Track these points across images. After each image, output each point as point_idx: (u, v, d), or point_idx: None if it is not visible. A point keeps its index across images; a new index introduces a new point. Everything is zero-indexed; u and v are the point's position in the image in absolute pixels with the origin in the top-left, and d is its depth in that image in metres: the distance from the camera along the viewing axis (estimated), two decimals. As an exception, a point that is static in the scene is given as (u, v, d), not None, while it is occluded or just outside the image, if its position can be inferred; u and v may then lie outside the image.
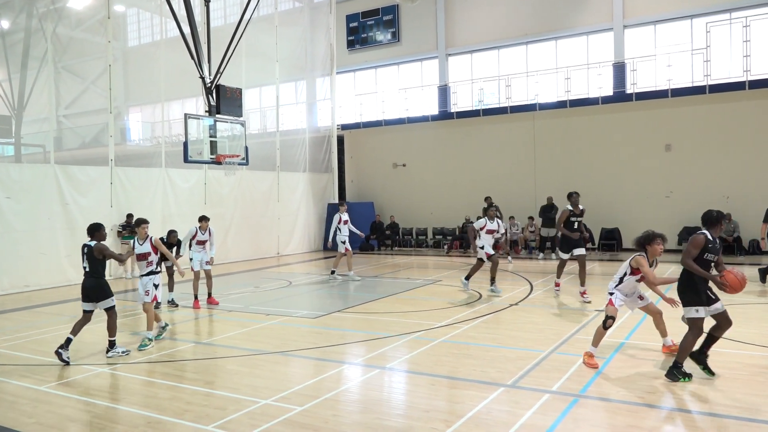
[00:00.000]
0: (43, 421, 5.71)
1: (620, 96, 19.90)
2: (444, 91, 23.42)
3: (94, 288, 7.92)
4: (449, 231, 22.23)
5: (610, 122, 19.92)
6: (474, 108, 22.70)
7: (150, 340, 8.57)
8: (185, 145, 12.93)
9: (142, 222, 9.23)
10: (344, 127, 25.00)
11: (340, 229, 14.94)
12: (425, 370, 6.91)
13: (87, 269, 7.93)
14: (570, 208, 11.42)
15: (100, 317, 10.46)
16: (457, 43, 23.49)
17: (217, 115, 13.52)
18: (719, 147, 18.37)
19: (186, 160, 13.16)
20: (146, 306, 8.82)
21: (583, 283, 11.16)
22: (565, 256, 11.51)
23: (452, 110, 23.01)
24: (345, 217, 15.05)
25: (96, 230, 8.04)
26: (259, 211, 20.75)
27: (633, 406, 5.59)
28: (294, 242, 22.16)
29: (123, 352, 8.03)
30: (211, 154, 13.52)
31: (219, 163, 13.63)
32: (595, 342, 7.01)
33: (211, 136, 13.54)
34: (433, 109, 23.45)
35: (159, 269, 9.13)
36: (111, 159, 16.14)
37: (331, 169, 24.27)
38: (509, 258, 17.85)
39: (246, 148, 14.21)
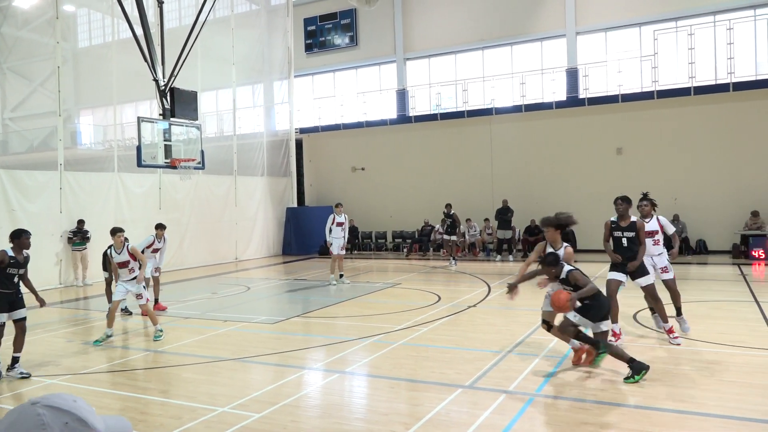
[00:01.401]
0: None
1: (573, 101, 20.40)
2: (402, 95, 23.57)
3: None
4: (409, 234, 22.34)
5: (564, 126, 20.40)
6: (432, 112, 22.90)
7: (161, 331, 9.05)
8: (138, 149, 12.66)
9: (117, 231, 9.14)
10: (303, 130, 24.88)
11: (331, 230, 14.71)
12: (385, 374, 6.93)
13: None
14: (613, 219, 8.01)
15: (62, 326, 10.13)
16: (415, 47, 23.67)
17: (171, 119, 13.29)
18: (667, 150, 19.02)
19: (139, 164, 12.89)
20: (145, 308, 9.18)
21: (665, 318, 7.97)
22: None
23: (410, 114, 23.16)
24: (339, 218, 14.81)
25: (13, 237, 7.28)
26: (216, 216, 20.45)
27: (586, 404, 5.73)
28: (252, 247, 21.92)
29: (21, 375, 7.26)
30: (166, 158, 13.27)
31: (174, 167, 13.40)
32: (566, 340, 6.89)
33: (165, 140, 13.30)
34: (392, 113, 23.56)
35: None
36: (60, 163, 15.66)
37: (289, 173, 24.11)
38: (453, 262, 17.93)
39: (202, 152, 14.00)
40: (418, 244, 21.64)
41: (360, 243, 23.24)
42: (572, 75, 20.77)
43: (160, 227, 11.62)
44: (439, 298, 11.91)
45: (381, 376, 6.87)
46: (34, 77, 19.55)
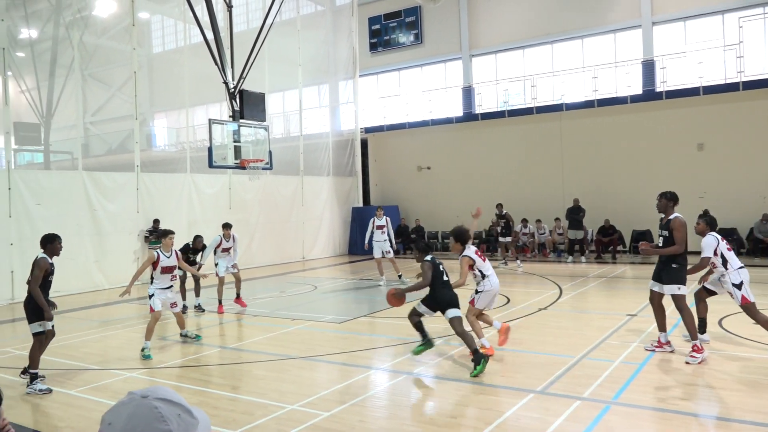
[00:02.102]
0: (74, 424, 5.82)
1: (650, 94, 19.61)
2: (468, 93, 23.35)
3: (25, 306, 7.04)
4: (475, 234, 22.09)
5: (639, 121, 19.64)
6: (499, 109, 22.57)
7: (195, 338, 9.14)
8: (210, 150, 13.10)
9: (169, 233, 8.83)
10: (368, 130, 25.07)
11: (373, 234, 14.86)
12: (453, 376, 6.88)
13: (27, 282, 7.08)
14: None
15: (139, 322, 10.64)
16: (480, 43, 23.41)
17: (240, 120, 13.68)
18: (754, 145, 17.97)
19: (211, 165, 13.33)
20: (179, 315, 9.05)
21: (694, 335, 7.28)
22: (686, 290, 7.39)
23: (477, 111, 22.92)
24: (379, 222, 14.92)
25: (48, 242, 7.10)
26: (284, 216, 20.90)
27: (667, 414, 5.48)
28: (319, 247, 22.27)
29: (40, 390, 6.77)
30: (235, 159, 13.67)
31: (243, 167, 13.78)
32: (478, 333, 7.67)
33: (235, 141, 13.70)
34: (458, 111, 23.38)
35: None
36: (137, 165, 16.43)
37: (355, 172, 24.35)
38: (518, 262, 17.67)
39: (270, 152, 14.34)
40: (486, 244, 21.36)
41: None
42: (648, 67, 19.98)
43: (226, 226, 11.94)
44: (509, 300, 11.73)
45: (449, 378, 6.83)
46: (112, 83, 20.56)
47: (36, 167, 19.42)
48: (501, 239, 18.15)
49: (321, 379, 7.15)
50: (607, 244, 18.78)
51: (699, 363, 7.00)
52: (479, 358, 6.83)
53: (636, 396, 5.97)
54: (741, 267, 7.45)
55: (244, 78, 13.85)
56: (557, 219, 19.88)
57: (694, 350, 7.13)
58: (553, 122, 21.07)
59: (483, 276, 7.95)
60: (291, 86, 22.37)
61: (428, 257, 7.64)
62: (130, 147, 17.38)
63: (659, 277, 7.46)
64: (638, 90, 19.98)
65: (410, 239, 22.95)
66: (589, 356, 7.49)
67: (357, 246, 22.83)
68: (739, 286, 7.31)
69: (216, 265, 11.87)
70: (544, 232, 20.14)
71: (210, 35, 13.51)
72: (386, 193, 25.11)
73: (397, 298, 7.67)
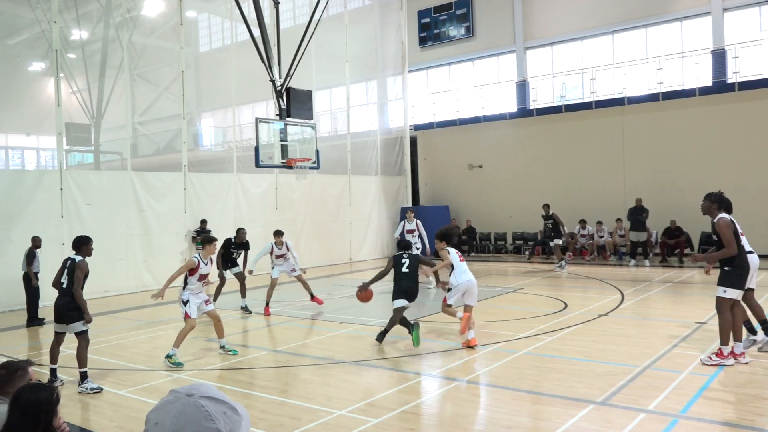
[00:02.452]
0: (123, 425, 6.03)
1: (720, 86, 18.91)
2: (522, 87, 23.05)
3: (65, 308, 7.31)
4: (530, 236, 21.80)
5: (708, 115, 18.96)
6: (555, 104, 22.19)
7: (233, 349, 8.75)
8: (256, 149, 13.34)
9: (214, 240, 8.89)
10: (417, 127, 25.05)
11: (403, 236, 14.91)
12: (506, 384, 6.81)
13: (64, 285, 7.37)
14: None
15: (200, 323, 10.92)
16: (535, 35, 23.07)
17: (287, 119, 13.89)
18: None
19: (257, 164, 13.58)
20: (217, 318, 8.80)
21: (725, 341, 7.29)
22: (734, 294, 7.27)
23: (532, 107, 22.60)
24: (409, 225, 14.92)
25: (83, 244, 7.48)
26: (331, 216, 21.11)
27: (742, 430, 5.28)
28: (366, 248, 22.39)
29: (92, 389, 7.10)
30: (282, 158, 13.88)
31: (290, 167, 13.99)
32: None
33: (281, 140, 13.92)
34: (511, 106, 23.10)
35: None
36: (184, 165, 16.88)
37: (403, 171, 24.38)
38: (563, 264, 17.32)
39: (317, 151, 14.50)
40: (541, 246, 21.04)
41: (478, 244, 23.01)
42: (719, 57, 19.26)
43: (278, 234, 12.20)
44: (566, 305, 11.52)
45: (502, 386, 6.76)
46: (160, 82, 21.21)
47: (86, 167, 20.20)
48: (552, 242, 17.90)
49: (369, 384, 7.18)
50: (673, 246, 18.20)
51: (714, 366, 7.02)
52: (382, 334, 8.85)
53: (706, 410, 5.77)
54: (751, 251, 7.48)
55: (291, 75, 14.06)
56: (618, 220, 19.39)
57: (718, 354, 7.20)
58: (613, 117, 20.57)
59: (452, 269, 9.06)
60: (338, 83, 22.57)
61: (398, 253, 9.40)
62: (177, 147, 17.89)
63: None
64: (707, 82, 19.28)
65: (461, 241, 22.82)
66: (654, 366, 7.28)
67: (406, 247, 22.80)
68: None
69: (272, 268, 12.16)
70: (603, 234, 19.69)
71: (257, 33, 13.77)
72: (436, 192, 25.03)
73: (361, 291, 9.09)
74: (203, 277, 8.63)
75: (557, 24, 22.53)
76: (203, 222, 16.74)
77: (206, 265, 8.68)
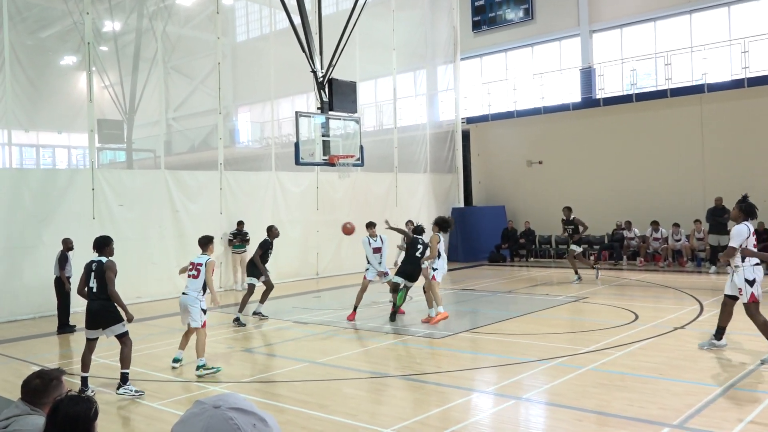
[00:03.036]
0: (156, 439, 6.20)
1: (816, 70, 18.17)
2: (588, 75, 22.65)
3: (101, 312, 7.67)
4: (596, 239, 21.43)
5: (802, 103, 18.25)
6: (625, 93, 21.74)
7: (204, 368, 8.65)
8: (296, 145, 13.49)
9: (211, 239, 9.55)
10: (470, 120, 24.93)
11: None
12: (569, 403, 6.71)
13: (95, 290, 7.67)
14: None
15: (223, 332, 11.17)
16: (602, 17, 22.65)
17: (329, 112, 14.00)
18: None
19: (297, 162, 13.72)
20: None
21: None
22: None
23: (598, 96, 22.20)
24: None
25: (106, 244, 7.84)
26: (376, 217, 21.01)
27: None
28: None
29: (136, 392, 7.57)
30: (324, 155, 13.99)
31: (332, 164, 14.09)
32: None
33: (323, 136, 14.03)
34: (575, 96, 22.75)
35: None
36: (220, 163, 17.23)
37: (455, 168, 24.29)
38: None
39: (361, 147, 14.59)
40: (609, 251, 20.65)
41: (537, 249, 22.72)
42: (814, 37, 18.52)
43: (370, 225, 13.03)
44: (637, 317, 11.29)
45: (564, 405, 6.67)
46: (195, 75, 21.69)
47: (119, 166, 20.83)
48: (572, 248, 17.04)
49: (418, 400, 7.18)
50: (763, 250, 17.56)
51: None
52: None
53: (799, 436, 5.57)
54: (757, 264, 8.17)
55: (334, 66, 14.17)
56: (697, 221, 18.86)
57: None
58: (691, 107, 20.02)
59: (439, 256, 11.84)
60: (384, 73, 22.64)
61: (416, 237, 12.05)
62: (213, 143, 18.26)
63: None
64: (801, 65, 18.57)
65: (519, 245, 22.59)
66: (738, 386, 7.06)
67: (458, 251, 22.73)
68: (751, 283, 8.09)
69: (366, 270, 12.75)
70: (680, 238, 19.17)
71: (297, 20, 13.94)
72: (491, 191, 24.85)
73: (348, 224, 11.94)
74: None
75: (627, 3, 22.07)
76: (240, 224, 17.05)
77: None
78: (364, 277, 12.66)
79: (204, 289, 8.88)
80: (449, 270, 19.77)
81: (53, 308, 12.30)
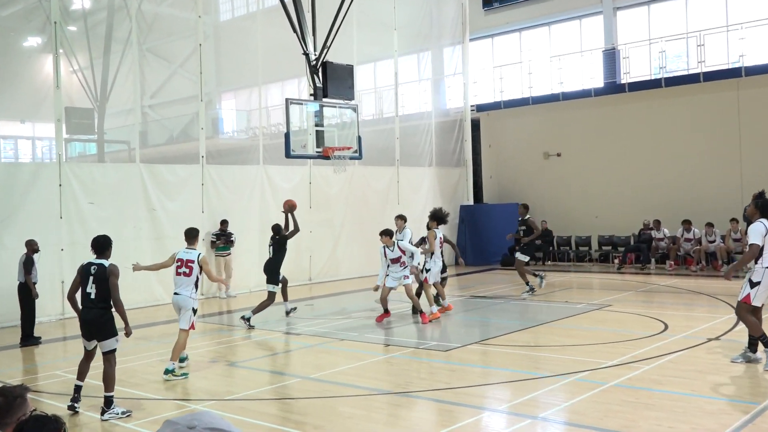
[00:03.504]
0: (131, 463, 6.20)
1: None
2: (611, 57, 22.64)
3: (98, 322, 7.65)
4: (621, 240, 21.43)
5: None
6: (653, 77, 21.73)
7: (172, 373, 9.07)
8: (287, 136, 13.48)
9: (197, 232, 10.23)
10: (480, 107, 24.93)
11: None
12: (591, 423, 6.72)
13: (92, 296, 7.64)
14: None
15: (205, 344, 11.19)
16: (628, -8, 22.67)
17: (323, 99, 13.99)
18: None
19: (288, 154, 13.72)
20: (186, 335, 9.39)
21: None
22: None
23: (623, 81, 22.19)
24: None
25: (108, 246, 7.91)
26: (375, 216, 21.11)
27: None
28: (419, 254, 22.33)
29: (123, 413, 7.52)
30: (317, 146, 14.00)
31: (326, 157, 14.08)
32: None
33: (316, 125, 14.04)
34: (598, 81, 22.74)
35: None
36: (202, 155, 17.21)
37: (463, 161, 24.28)
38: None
39: (359, 138, 14.58)
40: (635, 253, 20.65)
41: (555, 251, 22.72)
42: None
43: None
44: (666, 327, 11.29)
45: (586, 425, 6.67)
46: (174, 58, 21.64)
47: (89, 160, 20.78)
48: (518, 257, 15.71)
49: (421, 420, 7.18)
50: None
51: None
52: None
53: None
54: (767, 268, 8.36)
55: (329, 48, 14.16)
56: (733, 220, 18.86)
57: None
58: (727, 92, 20.02)
59: (431, 255, 13.04)
60: (384, 56, 22.63)
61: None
62: (194, 134, 18.23)
63: None
64: None
65: (534, 246, 22.52)
66: (779, 404, 7.06)
67: (467, 254, 22.71)
68: (753, 285, 8.44)
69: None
70: (714, 239, 19.16)
71: (287, -4, 13.94)
72: (503, 187, 24.85)
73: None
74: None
75: (655, -22, 22.07)
76: (224, 223, 17.02)
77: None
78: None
79: (196, 286, 9.18)
80: (457, 275, 19.93)
81: (15, 318, 12.28)
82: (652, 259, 20.13)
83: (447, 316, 13.48)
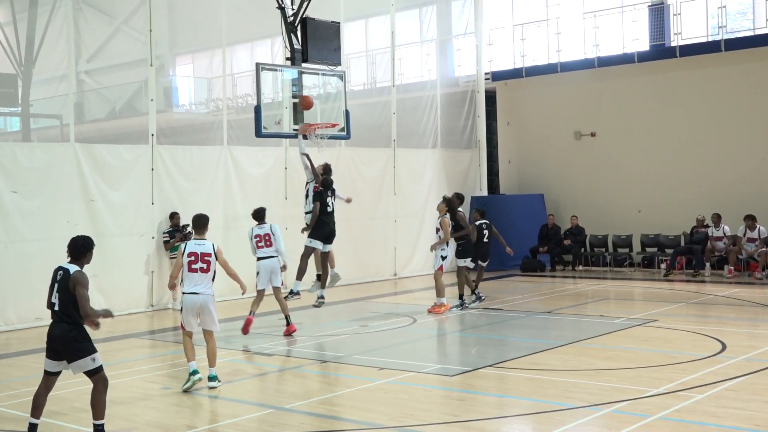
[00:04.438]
0: None
1: None
2: (659, 14, 22.65)
3: (65, 339, 7.45)
4: (669, 241, 21.46)
5: None
6: (710, 39, 21.75)
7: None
8: (257, 110, 13.43)
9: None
10: (496, 76, 24.91)
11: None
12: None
13: (56, 307, 7.50)
14: None
15: (154, 366, 11.15)
16: (680, -66, 22.68)
17: (303, 65, 13.95)
18: None
19: (259, 133, 13.67)
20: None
21: None
22: None
23: (673, 44, 22.21)
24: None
25: (86, 250, 8.00)
26: (367, 210, 21.10)
27: None
28: (419, 257, 22.33)
29: None
30: (295, 123, 13.96)
31: (306, 136, 14.05)
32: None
33: (294, 96, 13.99)
34: (642, 44, 22.76)
35: None
36: (152, 134, 17.10)
37: (476, 143, 24.28)
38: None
39: (346, 112, 14.54)
40: (686, 256, 20.68)
41: (588, 254, 22.73)
42: None
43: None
44: (724, 347, 11.32)
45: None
46: (117, 12, 21.57)
47: (10, 138, 20.65)
48: (457, 262, 16.12)
49: (423, 461, 7.19)
50: None
51: None
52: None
53: None
54: None
55: (309, 0, 14.11)
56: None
57: None
58: (801, 58, 20.09)
59: (447, 243, 15.33)
60: (379, 11, 22.59)
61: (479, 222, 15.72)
62: (141, 107, 18.14)
63: None
64: None
65: (562, 248, 22.59)
66: None
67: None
68: None
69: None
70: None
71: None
72: (525, 174, 24.87)
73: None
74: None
75: None
76: (174, 216, 16.81)
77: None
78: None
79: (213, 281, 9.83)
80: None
81: None
82: (708, 264, 20.13)
83: (455, 331, 13.44)
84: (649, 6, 22.80)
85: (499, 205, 23.58)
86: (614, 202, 22.85)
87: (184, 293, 9.86)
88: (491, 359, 11.36)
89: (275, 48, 20.15)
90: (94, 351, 7.53)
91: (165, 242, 16.90)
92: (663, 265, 20.91)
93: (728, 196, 20.41)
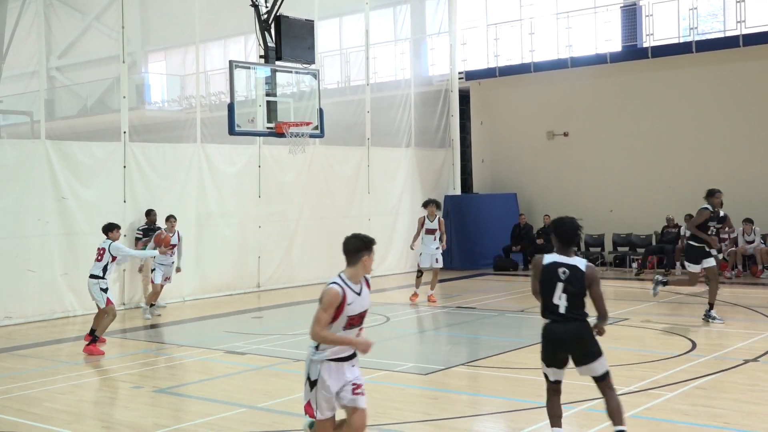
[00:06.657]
0: None
1: None
2: (631, 16, 22.80)
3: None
4: (640, 240, 21.62)
5: None
6: (682, 39, 21.90)
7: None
8: (231, 108, 13.39)
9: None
10: (470, 75, 24.95)
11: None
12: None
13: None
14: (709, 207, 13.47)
15: (126, 366, 11.08)
16: (652, -65, 22.84)
17: (276, 63, 13.91)
18: None
19: (232, 131, 13.63)
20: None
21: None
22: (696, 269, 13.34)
23: (645, 45, 22.35)
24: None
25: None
26: (340, 209, 21.09)
27: None
28: (393, 257, 22.34)
29: None
30: (269, 121, 13.92)
31: (280, 134, 14.01)
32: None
33: (267, 95, 13.95)
34: (615, 44, 22.89)
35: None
36: (124, 131, 16.99)
37: (449, 142, 24.30)
38: None
39: (320, 111, 14.52)
40: (658, 255, 20.84)
41: (560, 253, 22.79)
42: None
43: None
44: (694, 345, 11.43)
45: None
46: (89, 8, 21.40)
47: (-21, 135, 20.46)
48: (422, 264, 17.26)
49: (396, 459, 7.20)
50: None
51: None
52: None
53: None
54: None
55: (283, -2, 14.09)
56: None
57: None
58: (771, 60, 20.29)
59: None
60: (352, 9, 22.56)
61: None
62: (113, 104, 18.01)
63: None
64: None
65: (535, 247, 22.67)
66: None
67: (452, 255, 22.73)
68: None
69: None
70: (753, 239, 19.42)
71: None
72: (498, 173, 24.93)
73: None
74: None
75: None
76: (150, 214, 16.74)
77: None
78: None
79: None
80: (440, 281, 20.01)
81: None
82: (678, 263, 20.27)
83: (428, 329, 13.47)
84: (621, 7, 22.96)
85: (472, 205, 23.67)
86: (586, 202, 22.95)
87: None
88: (464, 358, 11.40)
89: (249, 46, 20.05)
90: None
91: (137, 239, 16.77)
92: (634, 265, 21.07)
93: (697, 196, 20.41)
